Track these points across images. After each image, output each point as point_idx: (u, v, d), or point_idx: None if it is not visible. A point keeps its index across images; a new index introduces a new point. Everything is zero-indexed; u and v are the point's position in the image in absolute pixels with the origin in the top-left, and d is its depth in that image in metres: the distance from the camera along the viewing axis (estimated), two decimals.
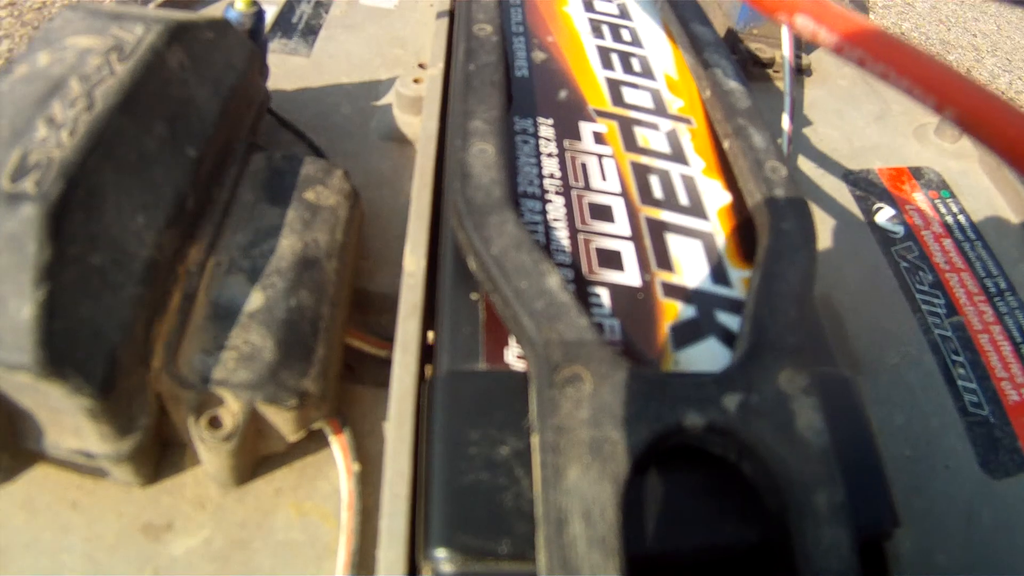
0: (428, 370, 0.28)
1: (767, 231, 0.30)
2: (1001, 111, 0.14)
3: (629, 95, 0.39)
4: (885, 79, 0.17)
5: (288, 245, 0.32)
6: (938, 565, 0.33)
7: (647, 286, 0.29)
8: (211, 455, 0.28)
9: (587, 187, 0.33)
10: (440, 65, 0.43)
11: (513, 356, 0.26)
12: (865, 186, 0.52)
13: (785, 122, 0.52)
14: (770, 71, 0.60)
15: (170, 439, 0.30)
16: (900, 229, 0.48)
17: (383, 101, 0.51)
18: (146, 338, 0.28)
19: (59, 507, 0.29)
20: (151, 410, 0.28)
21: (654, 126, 0.37)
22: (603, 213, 0.32)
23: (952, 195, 0.52)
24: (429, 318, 0.30)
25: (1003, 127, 0.14)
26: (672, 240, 0.31)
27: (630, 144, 0.36)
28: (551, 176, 0.33)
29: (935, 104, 0.16)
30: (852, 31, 0.18)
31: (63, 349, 0.24)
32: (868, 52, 0.18)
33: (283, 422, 0.29)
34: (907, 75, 0.17)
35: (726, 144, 0.36)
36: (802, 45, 0.62)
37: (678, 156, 0.36)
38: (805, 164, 0.53)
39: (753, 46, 0.60)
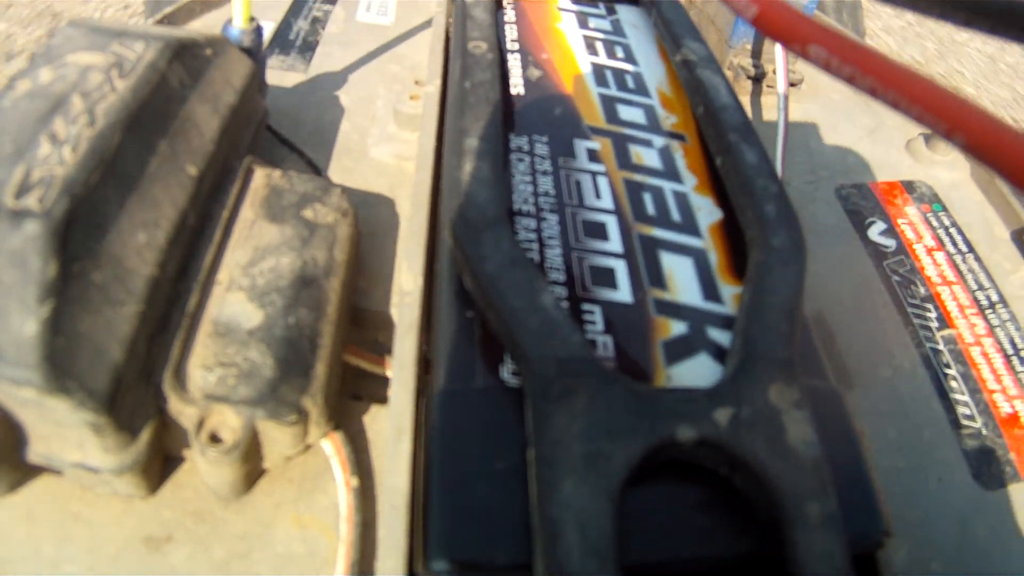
0: (425, 386, 0.28)
1: (758, 247, 0.31)
2: (1011, 137, 0.15)
3: (623, 112, 0.40)
4: (896, 107, 0.18)
5: (287, 263, 0.32)
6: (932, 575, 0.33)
7: (640, 303, 0.30)
8: (212, 469, 0.28)
9: (581, 205, 0.33)
10: (437, 82, 0.44)
11: (508, 373, 0.27)
12: (857, 200, 0.52)
13: (778, 138, 0.53)
14: (763, 86, 0.61)
15: (171, 453, 0.30)
16: (892, 243, 0.49)
17: (380, 118, 0.51)
18: (147, 354, 0.28)
19: (61, 519, 0.29)
20: (153, 424, 0.28)
21: (648, 143, 0.38)
22: (597, 231, 0.32)
23: (944, 208, 0.52)
24: (426, 335, 0.30)
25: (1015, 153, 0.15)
26: (664, 257, 0.32)
27: (624, 161, 0.36)
28: (545, 194, 0.33)
29: (945, 131, 0.16)
30: (859, 57, 0.19)
31: (66, 365, 0.24)
32: (878, 80, 0.18)
33: (283, 437, 0.29)
34: (917, 102, 0.17)
35: (719, 161, 0.36)
36: (795, 60, 0.63)
37: (671, 173, 0.36)
38: (798, 179, 0.54)
39: (746, 62, 0.61)
